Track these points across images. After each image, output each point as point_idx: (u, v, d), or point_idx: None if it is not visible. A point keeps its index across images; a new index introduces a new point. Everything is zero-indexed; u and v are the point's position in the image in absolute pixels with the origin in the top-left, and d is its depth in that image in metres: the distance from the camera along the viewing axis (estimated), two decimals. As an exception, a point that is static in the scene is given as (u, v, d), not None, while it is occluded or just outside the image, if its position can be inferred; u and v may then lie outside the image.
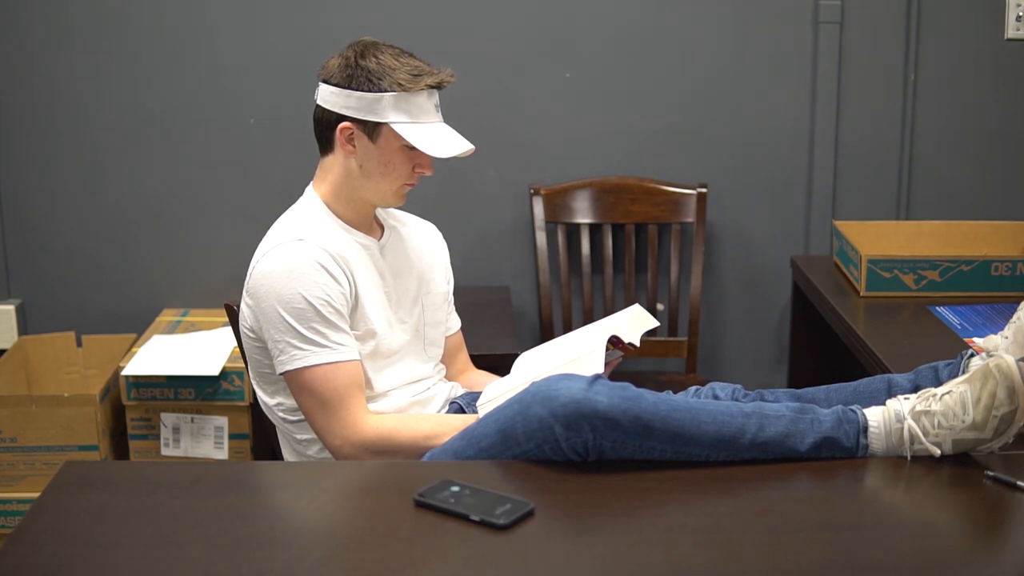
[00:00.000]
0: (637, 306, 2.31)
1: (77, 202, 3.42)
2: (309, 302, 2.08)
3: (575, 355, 2.14)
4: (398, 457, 2.10)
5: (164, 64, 3.34)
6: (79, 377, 3.33)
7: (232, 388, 3.08)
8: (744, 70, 3.38)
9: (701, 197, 3.36)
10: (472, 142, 2.19)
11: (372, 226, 2.28)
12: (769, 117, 3.41)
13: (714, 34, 3.36)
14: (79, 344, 3.37)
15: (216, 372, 3.04)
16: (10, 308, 3.42)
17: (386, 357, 2.22)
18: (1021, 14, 3.31)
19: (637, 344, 2.20)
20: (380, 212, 2.33)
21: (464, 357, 2.52)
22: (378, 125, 2.14)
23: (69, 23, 3.31)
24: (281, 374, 2.13)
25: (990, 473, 1.82)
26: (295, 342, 2.08)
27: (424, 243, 2.40)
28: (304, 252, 2.11)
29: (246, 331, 2.19)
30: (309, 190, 2.26)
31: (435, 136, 2.17)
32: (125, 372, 3.07)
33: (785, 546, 1.66)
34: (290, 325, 2.08)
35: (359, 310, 2.17)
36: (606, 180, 3.41)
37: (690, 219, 3.38)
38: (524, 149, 3.43)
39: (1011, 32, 3.33)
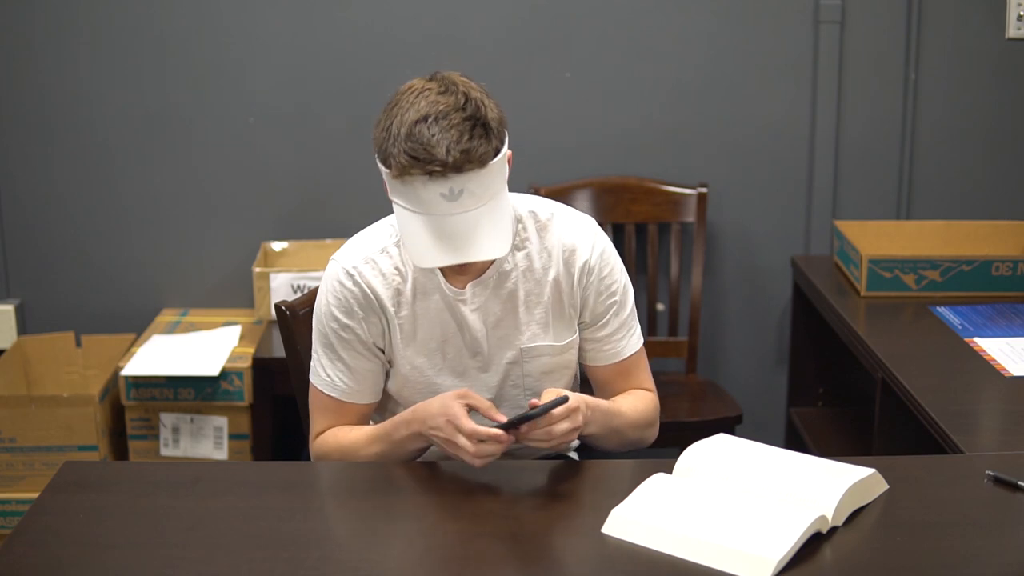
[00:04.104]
0: (876, 472, 1.78)
1: (77, 202, 3.41)
2: (330, 334, 1.97)
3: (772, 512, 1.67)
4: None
5: (163, 64, 3.34)
6: (78, 377, 3.33)
7: (232, 388, 3.07)
8: (744, 70, 3.38)
9: (701, 197, 3.36)
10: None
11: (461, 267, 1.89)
12: (769, 117, 3.40)
13: (714, 33, 3.36)
14: (78, 344, 3.36)
15: (216, 372, 3.03)
16: (9, 308, 3.42)
17: (423, 394, 1.99)
18: (1022, 13, 3.31)
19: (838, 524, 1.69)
20: None
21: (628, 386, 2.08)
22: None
23: (69, 23, 3.30)
24: None
25: (990, 473, 1.82)
26: (314, 359, 2.03)
27: (536, 285, 1.98)
28: (346, 289, 1.95)
29: None
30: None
31: (426, 234, 1.79)
32: (124, 372, 3.06)
33: (786, 546, 1.66)
34: (314, 345, 2.03)
35: (395, 348, 1.99)
36: (606, 180, 3.40)
37: (690, 219, 3.38)
38: (524, 149, 3.40)
39: (1012, 32, 3.33)
